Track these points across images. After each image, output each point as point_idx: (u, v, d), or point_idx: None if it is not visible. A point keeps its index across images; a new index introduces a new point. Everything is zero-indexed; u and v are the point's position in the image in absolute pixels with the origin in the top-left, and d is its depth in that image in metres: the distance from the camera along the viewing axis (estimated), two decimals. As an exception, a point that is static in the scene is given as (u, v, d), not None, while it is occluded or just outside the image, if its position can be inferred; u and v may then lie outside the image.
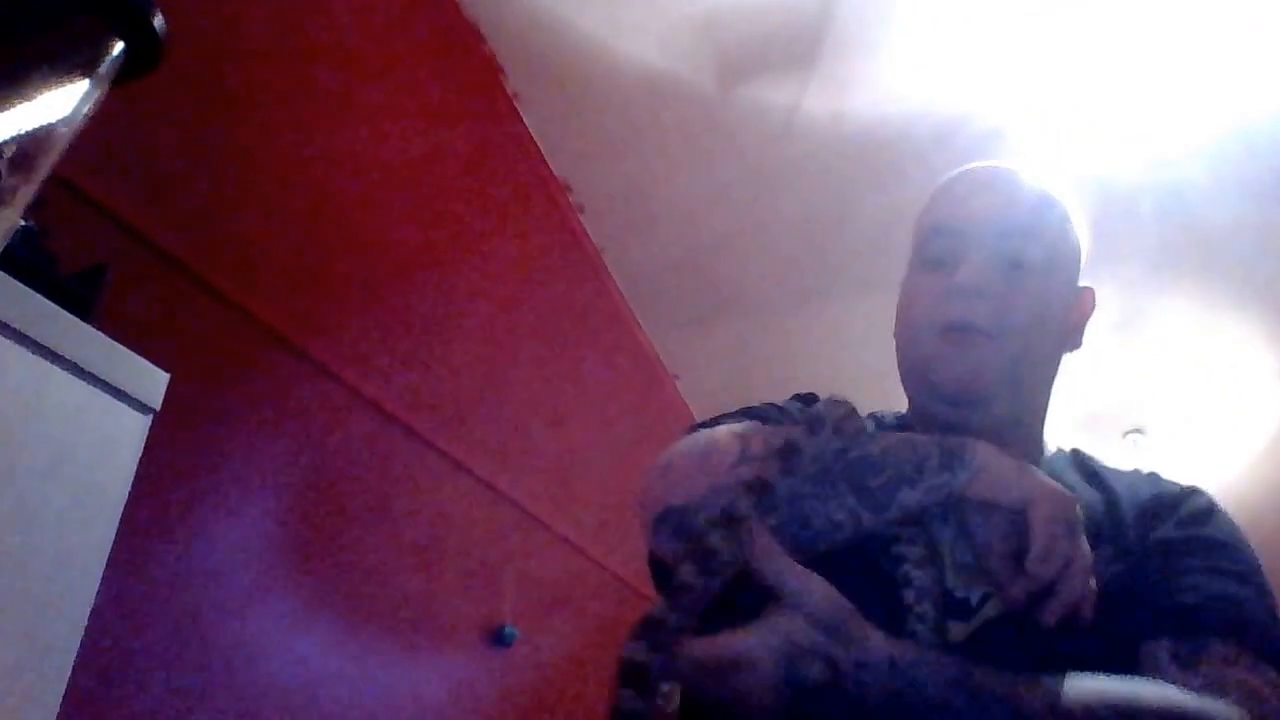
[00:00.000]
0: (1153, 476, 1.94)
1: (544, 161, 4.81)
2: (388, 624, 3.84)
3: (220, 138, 3.11)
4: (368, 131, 3.81)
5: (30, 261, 1.74)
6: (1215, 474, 7.44)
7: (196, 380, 2.69)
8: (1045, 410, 1.96)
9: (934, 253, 1.87)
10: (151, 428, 1.79)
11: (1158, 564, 1.66)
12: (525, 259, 4.88)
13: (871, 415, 2.00)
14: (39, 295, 1.62)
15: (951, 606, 1.61)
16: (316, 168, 3.54)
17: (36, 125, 1.73)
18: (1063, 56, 4.33)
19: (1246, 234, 5.20)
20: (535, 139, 4.72)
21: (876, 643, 1.35)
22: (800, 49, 4.33)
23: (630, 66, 4.33)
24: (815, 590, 1.37)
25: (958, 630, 1.57)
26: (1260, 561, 1.73)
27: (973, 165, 1.98)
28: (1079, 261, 1.97)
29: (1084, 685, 1.36)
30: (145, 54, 1.89)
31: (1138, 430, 7.04)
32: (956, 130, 4.59)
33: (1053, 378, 1.94)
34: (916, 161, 4.74)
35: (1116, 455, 7.11)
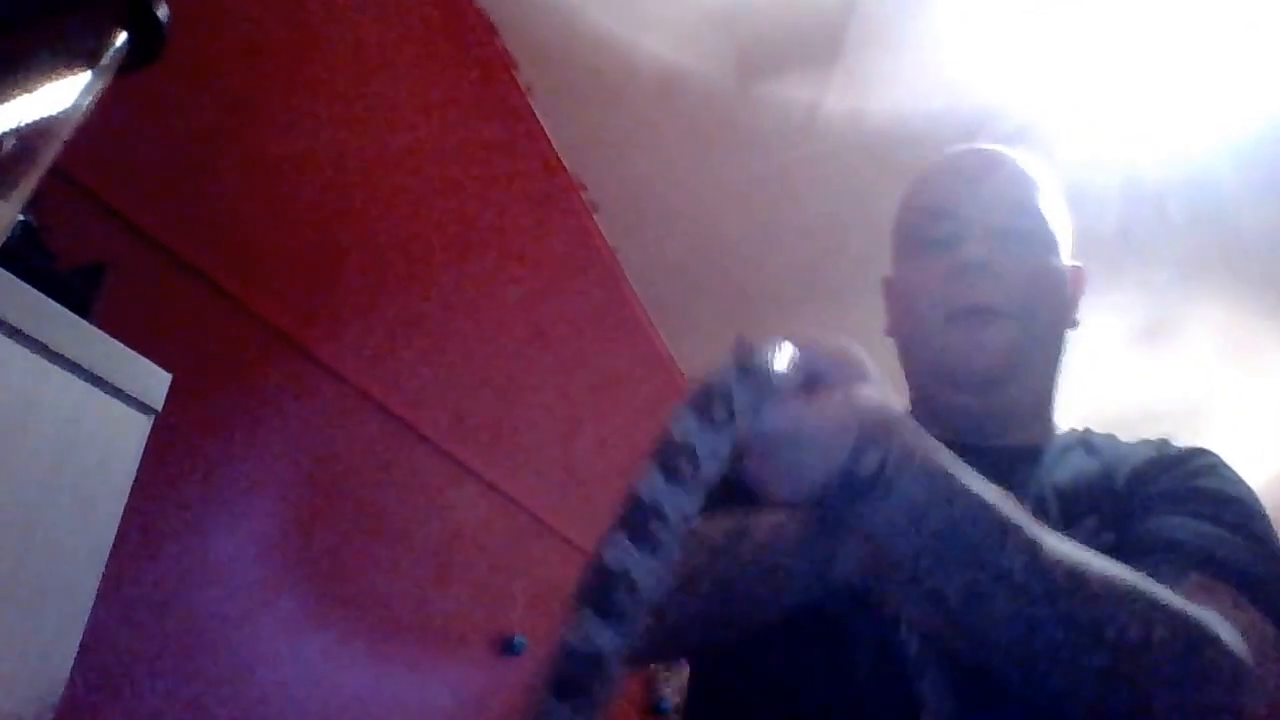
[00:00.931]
0: (1161, 442, 1.91)
1: (558, 159, 4.79)
2: (395, 631, 3.84)
3: (225, 131, 3.11)
4: (376, 126, 3.80)
5: (29, 258, 1.74)
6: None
7: (199, 380, 2.69)
8: (1056, 390, 1.95)
9: (929, 235, 1.86)
10: (153, 429, 1.78)
11: (1151, 510, 1.63)
12: (538, 259, 4.87)
13: None
14: (38, 292, 1.62)
15: None
16: (324, 163, 3.53)
17: (37, 117, 1.73)
18: (1090, 55, 4.32)
19: (1278, 238, 5.18)
20: (549, 136, 4.71)
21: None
22: (821, 45, 4.32)
23: (647, 62, 4.32)
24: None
25: None
26: (1269, 523, 1.62)
27: (953, 149, 2.00)
28: (1069, 237, 1.97)
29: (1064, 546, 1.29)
30: (148, 44, 1.88)
31: (1164, 440, 7.03)
32: (981, 129, 4.57)
33: (1061, 356, 1.93)
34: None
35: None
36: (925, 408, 1.84)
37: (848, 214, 4.98)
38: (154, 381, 1.79)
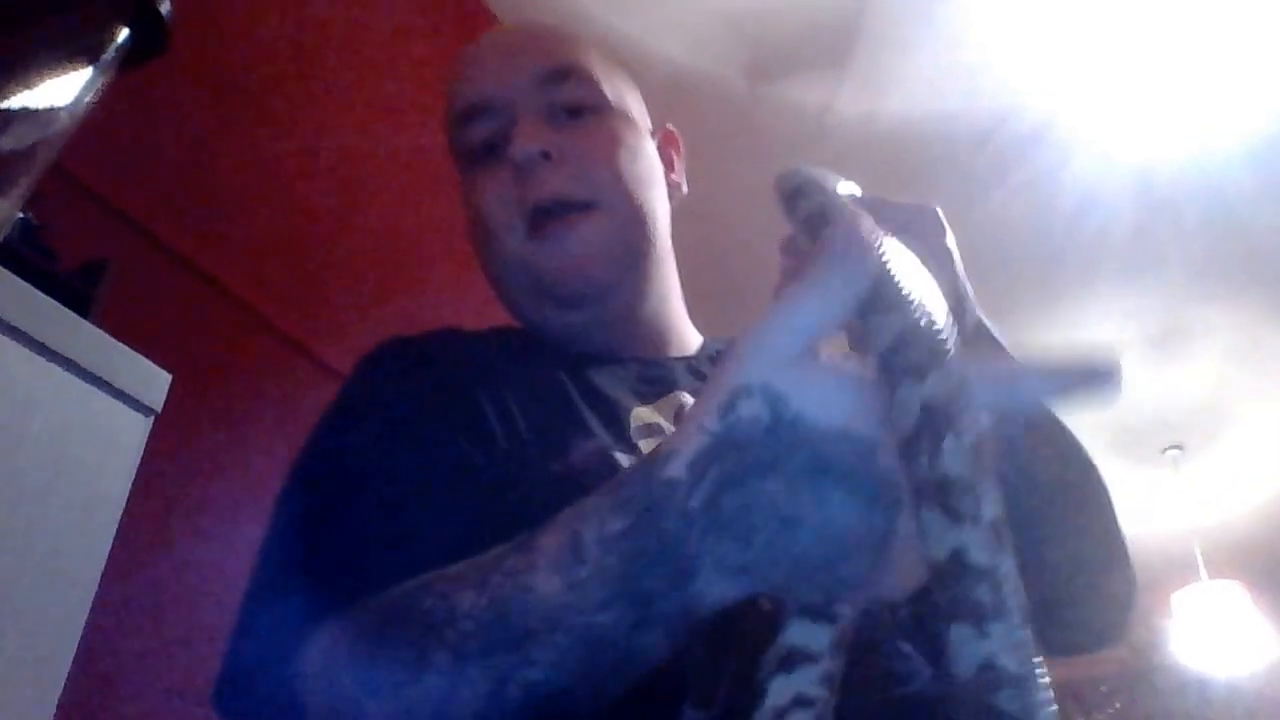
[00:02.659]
0: None
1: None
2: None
3: (227, 129, 3.11)
4: (381, 125, 3.80)
5: (28, 256, 1.74)
6: (1256, 490, 7.42)
7: (200, 381, 2.69)
8: (677, 284, 1.73)
9: (474, 141, 1.60)
10: (153, 430, 1.78)
11: None
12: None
13: (452, 334, 1.65)
14: (37, 291, 1.62)
15: None
16: (328, 160, 3.53)
17: (37, 113, 1.72)
18: (1104, 58, 4.32)
19: (1294, 243, 5.18)
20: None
21: None
22: (833, 46, 4.33)
23: (658, 64, 4.32)
24: None
25: None
26: None
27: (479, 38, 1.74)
28: (641, 97, 1.76)
29: None
30: (150, 40, 1.88)
31: (1177, 447, 7.02)
32: (994, 132, 4.58)
33: (667, 237, 1.69)
34: (953, 163, 4.73)
35: (1156, 472, 7.11)
36: (537, 329, 1.61)
37: (859, 216, 4.99)
38: (154, 382, 1.78)
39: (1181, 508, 7.16)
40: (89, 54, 1.79)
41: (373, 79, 3.75)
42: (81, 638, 1.61)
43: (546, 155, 1.50)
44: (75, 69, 1.77)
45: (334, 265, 3.60)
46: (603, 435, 1.36)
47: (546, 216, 1.50)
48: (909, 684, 1.17)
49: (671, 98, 4.40)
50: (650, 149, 1.69)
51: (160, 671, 2.75)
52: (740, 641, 1.10)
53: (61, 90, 1.74)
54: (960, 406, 0.69)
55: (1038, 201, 4.96)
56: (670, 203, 1.71)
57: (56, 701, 1.56)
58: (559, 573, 0.83)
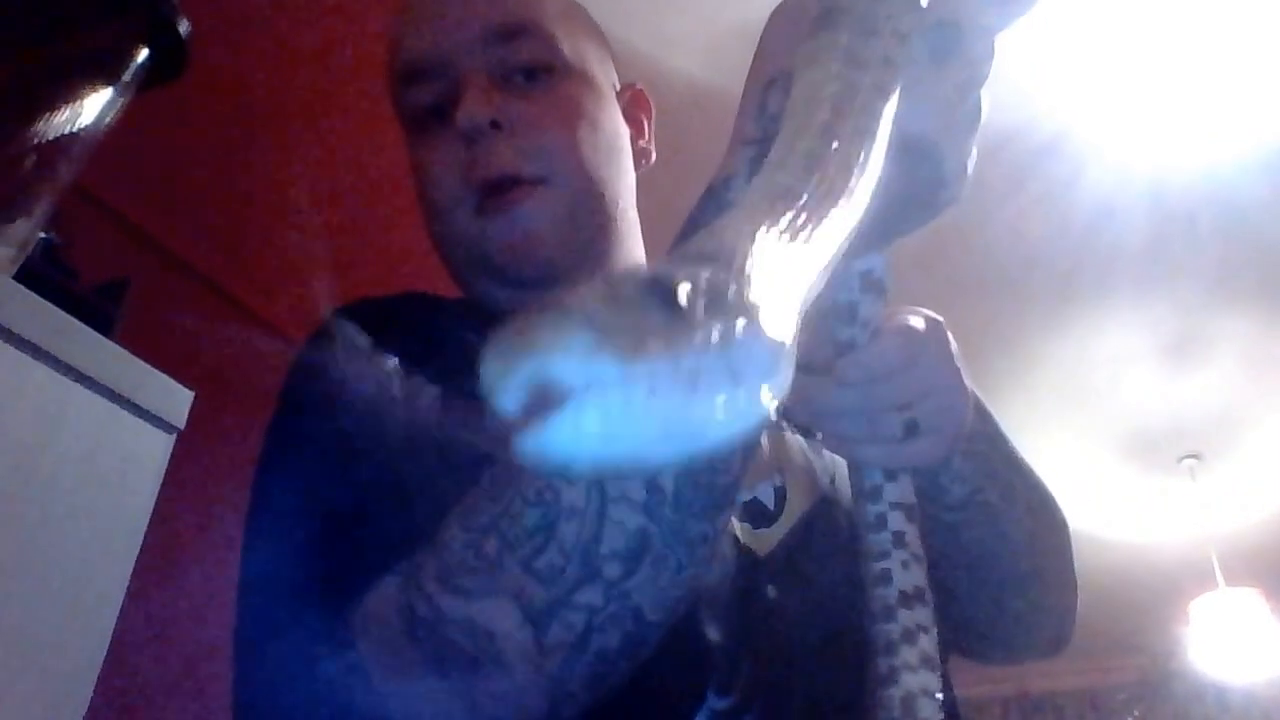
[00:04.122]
0: None
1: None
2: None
3: (247, 147, 3.12)
4: (399, 143, 3.81)
5: (50, 275, 1.74)
6: (1273, 500, 7.40)
7: (222, 398, 2.69)
8: (642, 258, 1.61)
9: (418, 103, 1.48)
10: (175, 447, 1.78)
11: None
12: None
13: (420, 297, 1.63)
14: (59, 310, 1.62)
15: (747, 513, 1.29)
16: (346, 178, 3.54)
17: (58, 133, 1.73)
18: (1118, 69, 4.31)
19: (1309, 252, 5.17)
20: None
21: None
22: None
23: (674, 79, 4.32)
24: None
25: (765, 539, 1.27)
26: None
27: None
28: (608, 53, 1.63)
29: None
30: (170, 60, 1.88)
31: (1194, 456, 6.99)
32: (1008, 144, 4.57)
33: (632, 210, 1.57)
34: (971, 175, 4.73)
35: (1173, 481, 7.10)
36: (484, 305, 1.52)
37: (874, 229, 4.98)
38: (176, 399, 1.78)
39: (1199, 517, 7.14)
40: (109, 74, 1.79)
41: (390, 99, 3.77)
42: (106, 654, 1.61)
43: (496, 125, 1.38)
44: (96, 89, 1.77)
45: (353, 284, 3.60)
46: None
47: (495, 192, 1.39)
48: None
49: (688, 112, 4.40)
50: (613, 114, 1.55)
51: (185, 687, 2.75)
52: (760, 629, 1.18)
53: (82, 111, 1.74)
54: None
55: (1053, 213, 4.95)
56: (637, 170, 1.60)
57: (83, 714, 1.56)
58: None
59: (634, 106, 1.65)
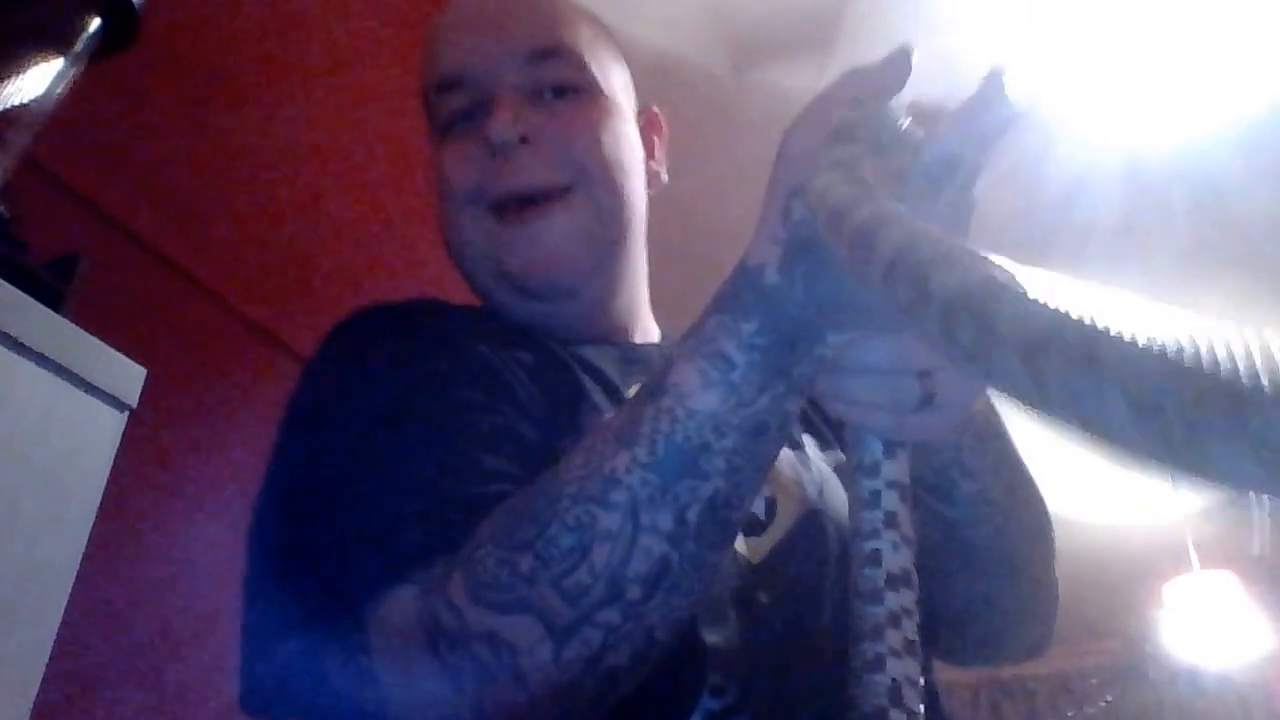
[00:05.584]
0: None
1: (545, 148, 4.79)
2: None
3: (200, 120, 3.11)
4: (354, 116, 3.81)
5: (0, 250, 1.74)
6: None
7: (175, 376, 2.69)
8: (645, 275, 1.70)
9: (450, 112, 1.56)
10: (128, 425, 1.78)
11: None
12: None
13: (436, 302, 1.61)
14: (9, 285, 1.61)
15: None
16: (301, 154, 3.53)
17: (8, 105, 1.72)
18: (1090, 42, 4.33)
19: (1282, 227, 5.20)
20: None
21: None
22: (817, 32, 4.33)
23: (639, 50, 4.32)
24: None
25: (756, 547, 1.32)
26: None
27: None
28: (629, 78, 1.73)
29: None
30: (122, 31, 1.88)
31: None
32: (979, 117, 4.59)
33: (644, 229, 1.65)
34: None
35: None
36: (501, 312, 1.56)
37: (843, 204, 4.99)
38: (129, 376, 1.78)
39: (1173, 498, 7.18)
40: (60, 45, 1.79)
41: (345, 71, 3.75)
42: (58, 634, 1.62)
43: (524, 139, 1.46)
44: (46, 60, 1.77)
45: (308, 258, 3.60)
46: (607, 407, 1.38)
47: (519, 205, 1.47)
48: None
49: (654, 85, 4.38)
50: (634, 134, 1.64)
51: (137, 668, 2.76)
52: (753, 632, 1.25)
53: (32, 82, 1.74)
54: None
55: (1023, 188, 4.95)
56: (649, 191, 1.67)
57: (33, 698, 1.56)
58: (711, 387, 0.99)
59: (648, 129, 1.73)
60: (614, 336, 1.59)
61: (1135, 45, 4.33)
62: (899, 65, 1.09)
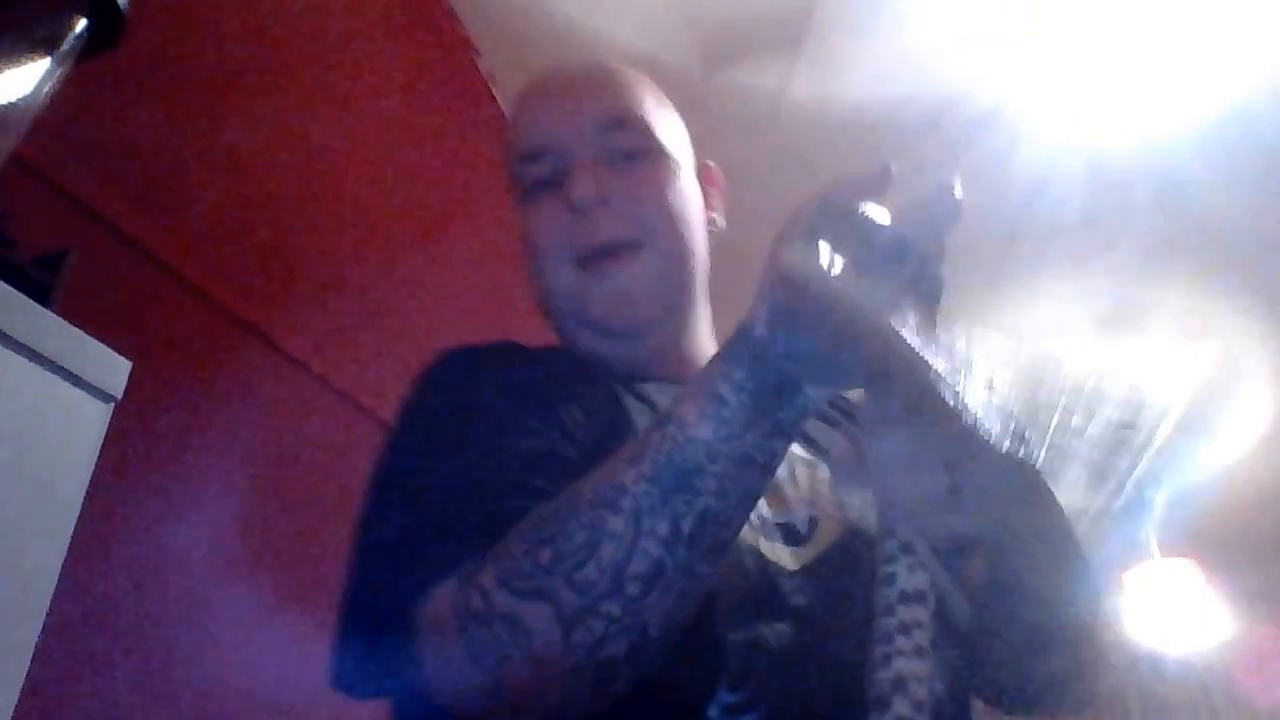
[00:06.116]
0: None
1: (520, 146, 4.78)
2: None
3: (186, 118, 3.11)
4: (337, 113, 3.80)
5: (-12, 245, 1.73)
6: (1208, 470, 7.46)
7: (160, 368, 2.68)
8: (710, 317, 1.90)
9: (534, 179, 1.77)
10: (113, 417, 1.78)
11: None
12: (501, 246, 4.86)
13: (511, 344, 1.87)
14: (-3, 280, 1.61)
15: (780, 533, 1.53)
16: (285, 149, 3.53)
17: (-5, 103, 1.72)
18: (1056, 40, 4.34)
19: (1244, 225, 5.21)
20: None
21: None
22: (786, 30, 4.34)
23: (611, 49, 4.32)
24: None
25: (797, 555, 1.49)
26: None
27: (538, 76, 1.91)
28: (687, 137, 1.93)
29: None
30: (108, 30, 1.88)
31: (1129, 427, 7.03)
32: (946, 114, 4.59)
33: (705, 272, 1.86)
34: (907, 147, 4.74)
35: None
36: (581, 352, 1.79)
37: (813, 201, 4.99)
38: (114, 369, 1.78)
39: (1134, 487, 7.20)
40: (47, 44, 1.79)
41: (328, 69, 3.75)
42: (43, 627, 1.61)
43: (603, 200, 1.67)
44: (33, 59, 1.77)
45: (294, 253, 3.59)
46: None
47: (599, 256, 1.68)
48: None
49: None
50: (694, 188, 1.85)
51: (123, 660, 2.75)
52: (779, 633, 1.38)
53: (19, 80, 1.74)
54: None
55: (988, 185, 4.97)
56: (704, 240, 1.85)
57: (18, 690, 1.56)
58: (707, 419, 1.17)
59: (706, 181, 1.94)
60: (680, 374, 1.69)
61: (1098, 43, 4.35)
62: (880, 179, 1.20)
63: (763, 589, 1.41)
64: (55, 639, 1.70)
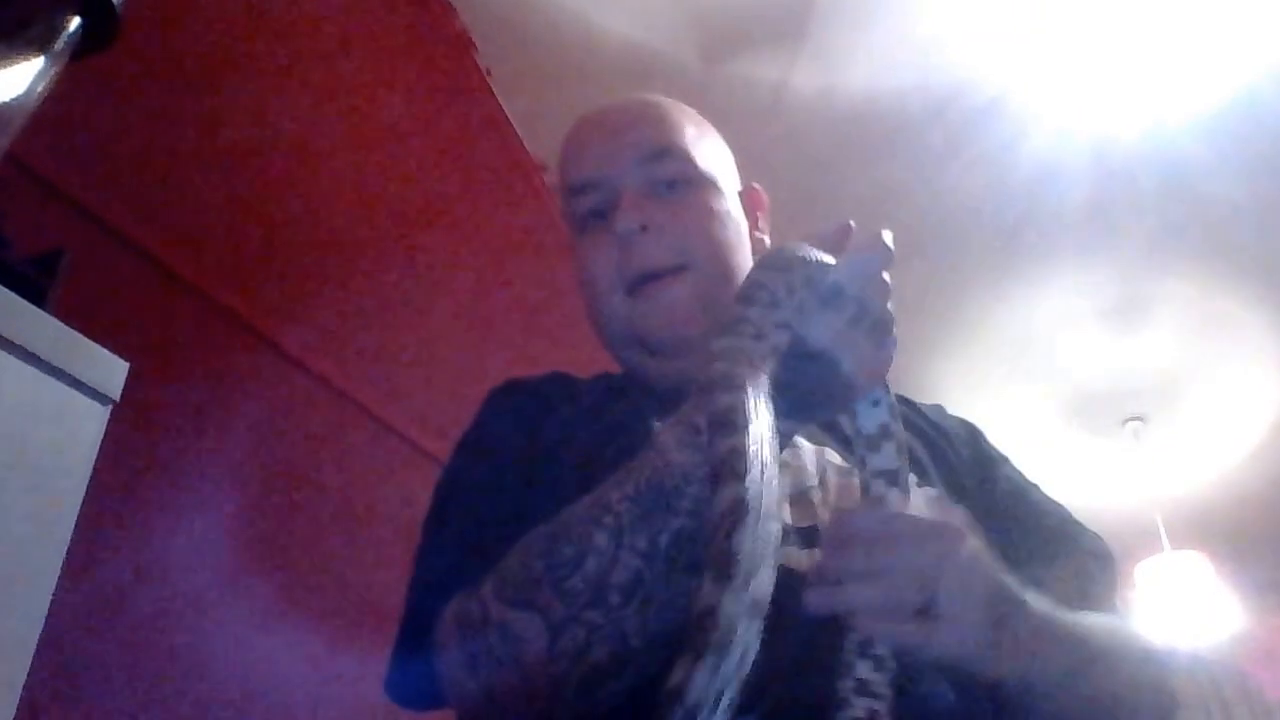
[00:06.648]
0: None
1: (518, 140, 4.79)
2: (359, 623, 3.84)
3: (181, 116, 3.11)
4: (334, 110, 3.80)
5: (-18, 246, 1.73)
6: (1217, 462, 7.46)
7: (157, 369, 2.68)
8: None
9: (584, 210, 1.89)
10: (110, 419, 1.78)
11: (1010, 498, 1.81)
12: (500, 243, 4.87)
13: (565, 376, 2.04)
14: (-8, 281, 1.61)
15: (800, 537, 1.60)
16: (281, 147, 3.53)
17: (-11, 104, 1.72)
18: (1060, 29, 4.33)
19: (1250, 213, 5.21)
20: (509, 117, 4.70)
21: None
22: (788, 21, 4.33)
23: (609, 41, 4.32)
24: None
25: (802, 559, 1.55)
26: None
27: (585, 113, 2.00)
28: (731, 162, 2.03)
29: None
30: (102, 29, 1.88)
31: (1137, 418, 7.04)
32: (951, 104, 4.59)
33: None
34: (910, 137, 4.74)
35: (1117, 444, 7.15)
36: (638, 376, 1.92)
37: (817, 193, 4.98)
38: (111, 370, 1.78)
39: (1143, 479, 7.19)
40: (40, 44, 1.79)
41: (324, 66, 3.75)
42: (39, 639, 1.61)
43: (645, 228, 1.77)
44: (26, 59, 1.76)
45: (289, 251, 3.59)
46: None
47: (644, 281, 1.79)
48: None
49: (624, 76, 4.39)
50: (737, 212, 1.94)
51: (122, 662, 2.75)
52: (785, 635, 1.32)
53: (13, 80, 1.74)
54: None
55: (993, 175, 4.97)
56: (754, 257, 1.91)
57: (19, 691, 1.56)
58: (684, 447, 1.28)
59: (750, 203, 2.03)
60: None
61: (1102, 32, 4.34)
62: (838, 235, 1.37)
63: (775, 592, 1.42)
64: (54, 640, 1.70)
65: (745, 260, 1.89)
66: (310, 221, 3.68)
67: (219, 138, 3.25)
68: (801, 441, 1.74)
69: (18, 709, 1.55)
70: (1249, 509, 7.81)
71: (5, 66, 1.74)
